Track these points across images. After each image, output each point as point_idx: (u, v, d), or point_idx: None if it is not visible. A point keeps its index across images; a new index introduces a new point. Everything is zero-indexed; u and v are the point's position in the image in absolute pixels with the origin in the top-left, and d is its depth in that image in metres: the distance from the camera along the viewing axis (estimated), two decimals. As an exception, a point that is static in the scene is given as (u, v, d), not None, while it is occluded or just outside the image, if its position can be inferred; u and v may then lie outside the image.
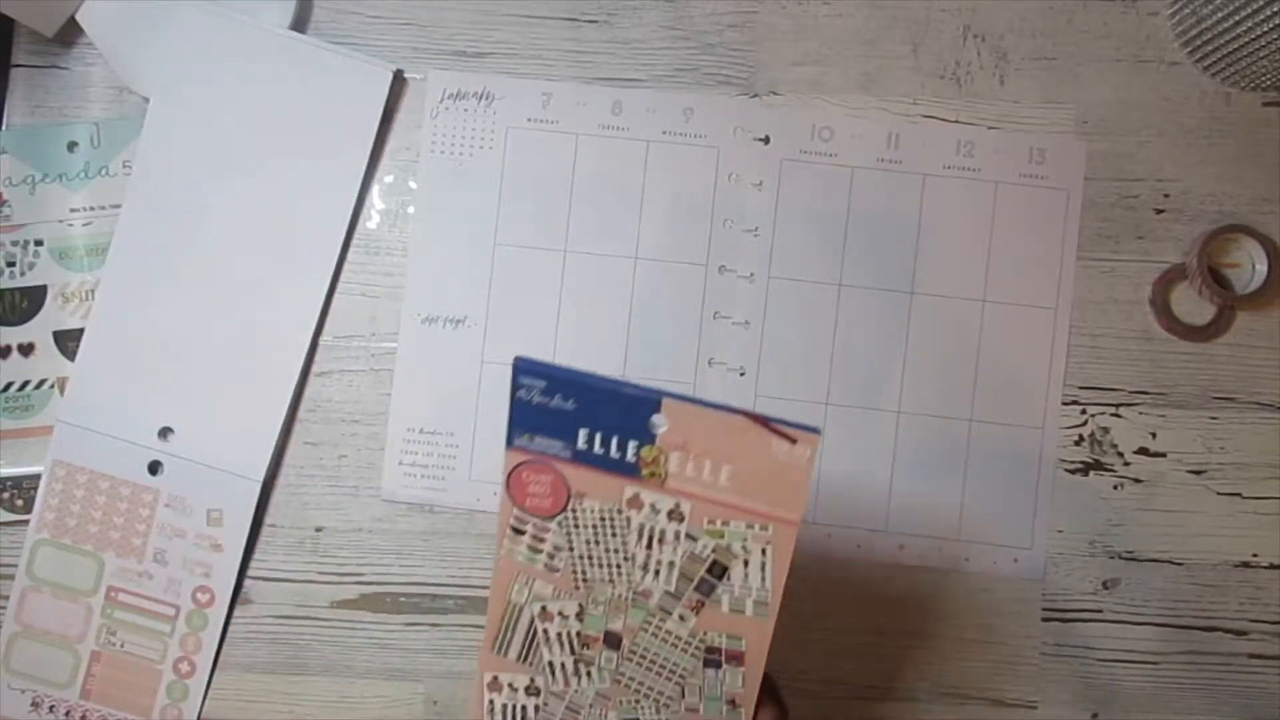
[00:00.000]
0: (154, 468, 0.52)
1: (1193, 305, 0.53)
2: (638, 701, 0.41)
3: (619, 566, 0.40)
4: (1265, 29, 0.47)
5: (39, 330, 0.53)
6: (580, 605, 0.40)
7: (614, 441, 0.37)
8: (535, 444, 0.38)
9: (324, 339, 0.54)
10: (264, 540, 0.53)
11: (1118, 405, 0.53)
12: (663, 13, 0.54)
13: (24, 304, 0.53)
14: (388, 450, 0.53)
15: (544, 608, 0.40)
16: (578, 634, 0.40)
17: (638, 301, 0.53)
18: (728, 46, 0.54)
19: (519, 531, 0.40)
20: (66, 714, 0.52)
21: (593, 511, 0.39)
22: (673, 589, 0.39)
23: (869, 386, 0.53)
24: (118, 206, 0.53)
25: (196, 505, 0.52)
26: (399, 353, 0.53)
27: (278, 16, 0.53)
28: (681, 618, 0.39)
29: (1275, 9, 0.46)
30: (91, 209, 0.54)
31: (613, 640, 0.40)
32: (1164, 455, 0.53)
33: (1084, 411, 0.53)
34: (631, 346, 0.53)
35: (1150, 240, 0.53)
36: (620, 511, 0.39)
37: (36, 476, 0.52)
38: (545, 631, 0.40)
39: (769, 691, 0.41)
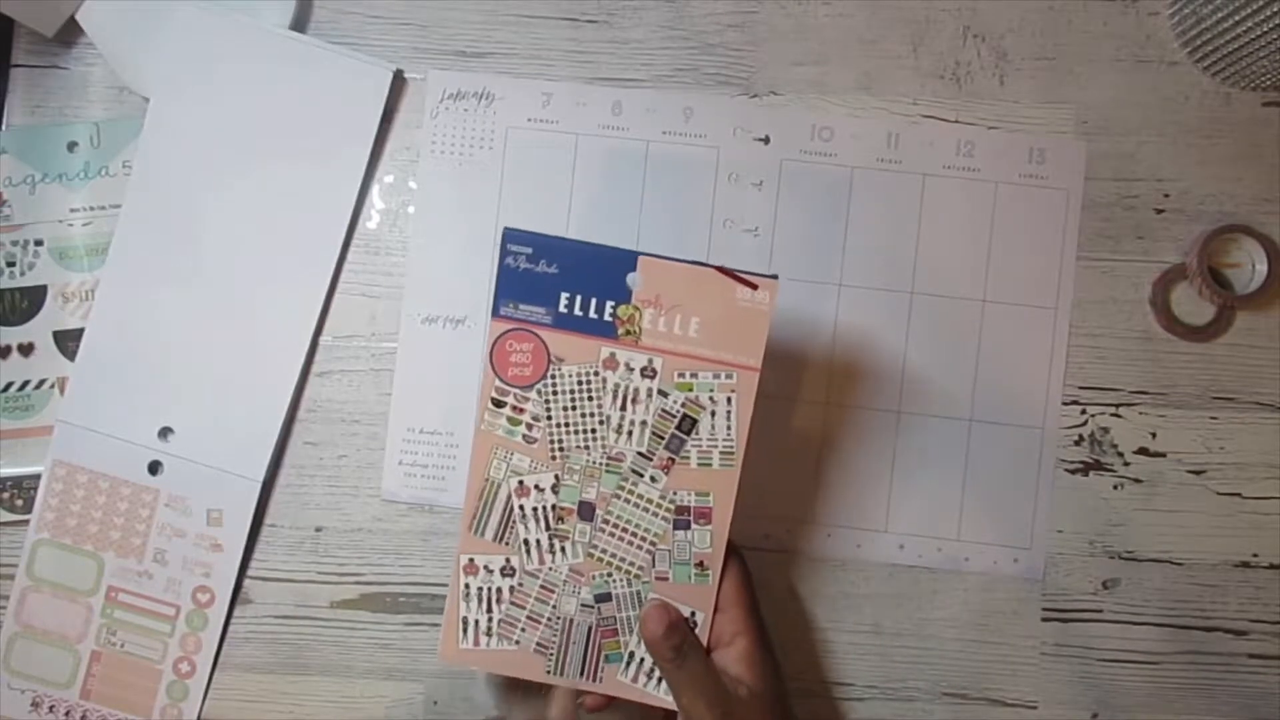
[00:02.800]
0: (154, 468, 0.52)
1: (1193, 305, 0.53)
2: (610, 574, 0.43)
3: (594, 431, 0.42)
4: (1265, 29, 0.47)
5: (39, 330, 0.53)
6: (556, 476, 0.42)
7: (593, 303, 0.41)
8: (520, 311, 0.41)
9: (324, 339, 0.54)
10: (264, 540, 0.53)
11: (1118, 405, 0.53)
12: (663, 13, 0.54)
13: (24, 304, 0.53)
14: (388, 450, 0.53)
15: (521, 482, 0.42)
16: (553, 507, 0.42)
17: (638, 301, 0.53)
18: (728, 46, 0.54)
19: (499, 404, 0.42)
20: (66, 714, 0.52)
21: (571, 376, 0.42)
22: (644, 449, 0.42)
23: (869, 386, 0.53)
24: (118, 206, 0.53)
25: (196, 505, 0.52)
26: (399, 353, 0.53)
27: (278, 16, 0.53)
28: (653, 479, 0.42)
29: (1275, 9, 0.46)
30: (91, 209, 0.54)
31: (586, 511, 0.42)
32: (1164, 455, 0.53)
33: (1084, 411, 0.53)
34: (631, 346, 0.53)
35: (1150, 240, 0.53)
36: (597, 373, 0.41)
37: (36, 476, 0.52)
38: (521, 508, 0.42)
39: (732, 552, 0.43)
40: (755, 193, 0.53)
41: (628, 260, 0.41)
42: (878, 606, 0.53)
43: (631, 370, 0.41)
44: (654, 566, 0.42)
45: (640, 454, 0.42)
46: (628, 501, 0.42)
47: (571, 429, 0.42)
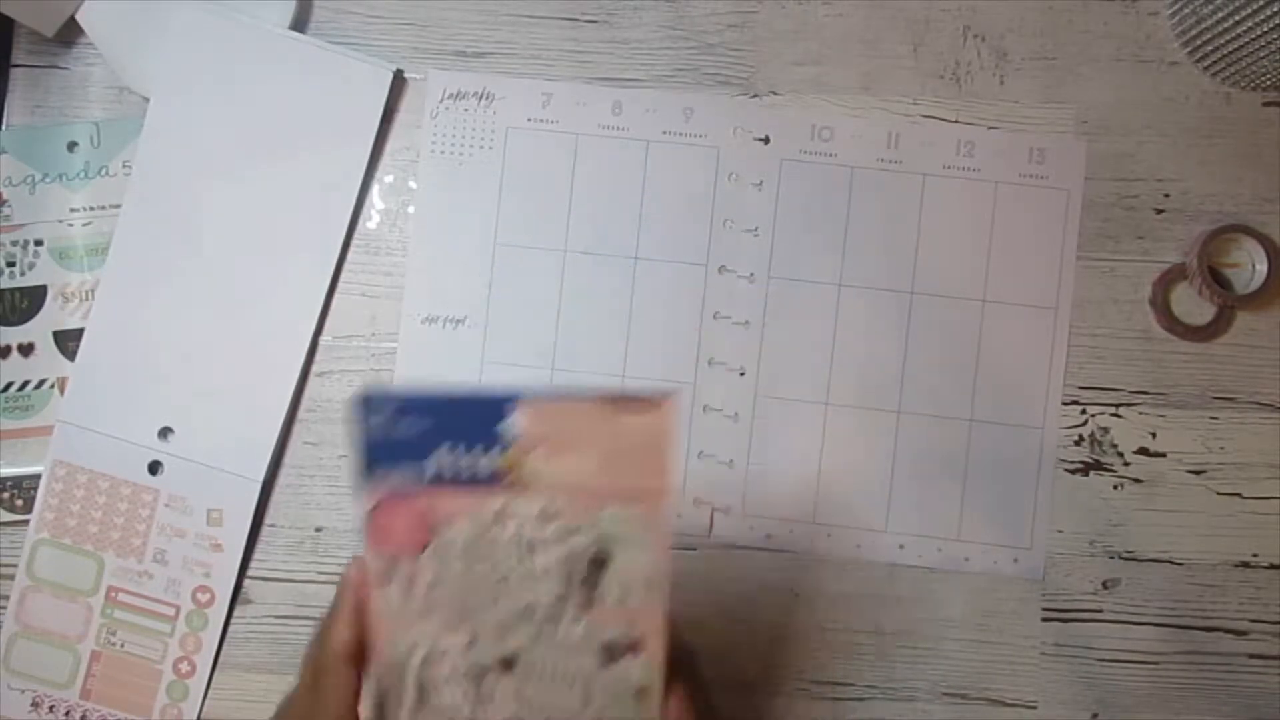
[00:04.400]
0: (154, 468, 0.52)
1: (1193, 305, 0.53)
2: None
3: (499, 583, 0.38)
4: (1265, 29, 0.47)
5: (39, 330, 0.53)
6: (470, 635, 0.39)
7: (472, 454, 0.37)
8: (391, 479, 0.37)
9: (324, 339, 0.54)
10: (264, 540, 0.53)
11: (1118, 405, 0.53)
12: (663, 13, 0.54)
13: (24, 304, 0.53)
14: (388, 450, 0.53)
15: (429, 652, 0.39)
16: (470, 666, 0.39)
17: (637, 301, 0.53)
18: (728, 46, 0.54)
19: (387, 579, 0.38)
20: (66, 714, 0.52)
21: (463, 534, 0.38)
22: (560, 592, 0.39)
23: (869, 386, 0.53)
24: (118, 206, 0.53)
25: (196, 505, 0.52)
26: (399, 353, 0.53)
27: (278, 16, 0.53)
28: (574, 620, 0.39)
29: (1275, 9, 0.46)
30: (91, 209, 0.54)
31: (508, 664, 0.39)
32: (1164, 455, 0.53)
33: (1084, 411, 0.53)
34: (631, 347, 0.53)
35: (1150, 240, 0.53)
36: (492, 527, 0.38)
37: (36, 476, 0.52)
38: (434, 678, 0.39)
39: (678, 664, 0.40)
40: (755, 193, 0.53)
41: (505, 404, 0.37)
42: (878, 606, 0.53)
43: (528, 518, 0.38)
44: (589, 705, 0.39)
45: (555, 599, 0.39)
46: (550, 648, 0.39)
47: (474, 587, 0.39)
